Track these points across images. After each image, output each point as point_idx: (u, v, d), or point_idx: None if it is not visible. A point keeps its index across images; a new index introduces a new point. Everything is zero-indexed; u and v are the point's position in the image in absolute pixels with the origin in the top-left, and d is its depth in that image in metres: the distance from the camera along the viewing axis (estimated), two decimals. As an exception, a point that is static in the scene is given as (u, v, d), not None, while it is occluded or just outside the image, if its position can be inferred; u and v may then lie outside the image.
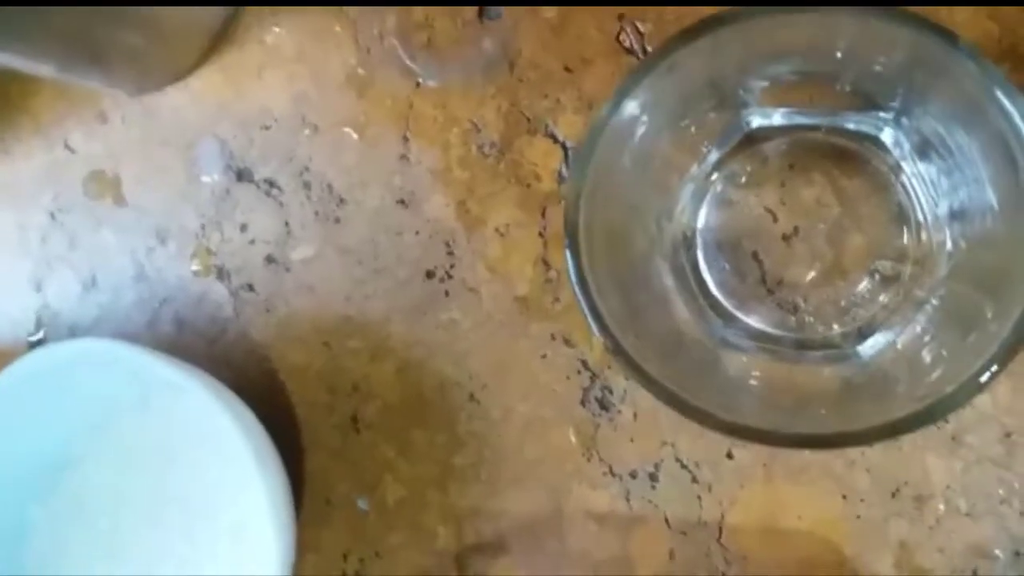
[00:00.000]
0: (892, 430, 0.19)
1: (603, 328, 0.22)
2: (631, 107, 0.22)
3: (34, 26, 0.30)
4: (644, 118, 0.24)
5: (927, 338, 0.26)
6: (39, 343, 0.39)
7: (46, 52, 0.32)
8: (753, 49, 0.23)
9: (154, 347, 0.36)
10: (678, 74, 0.22)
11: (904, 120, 0.26)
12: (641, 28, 0.32)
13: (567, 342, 0.32)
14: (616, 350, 0.22)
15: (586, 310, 0.22)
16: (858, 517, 0.29)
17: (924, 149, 0.25)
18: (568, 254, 0.22)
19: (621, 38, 0.32)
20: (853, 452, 0.29)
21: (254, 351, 0.35)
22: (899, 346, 0.26)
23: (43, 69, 0.33)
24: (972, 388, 0.19)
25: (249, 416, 0.31)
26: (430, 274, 0.34)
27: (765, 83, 0.26)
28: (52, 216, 0.38)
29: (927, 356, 0.25)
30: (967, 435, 0.28)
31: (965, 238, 0.25)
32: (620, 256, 0.27)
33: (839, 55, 0.23)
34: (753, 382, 0.27)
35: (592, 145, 0.22)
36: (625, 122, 0.23)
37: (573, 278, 0.22)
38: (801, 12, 0.21)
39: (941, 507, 0.29)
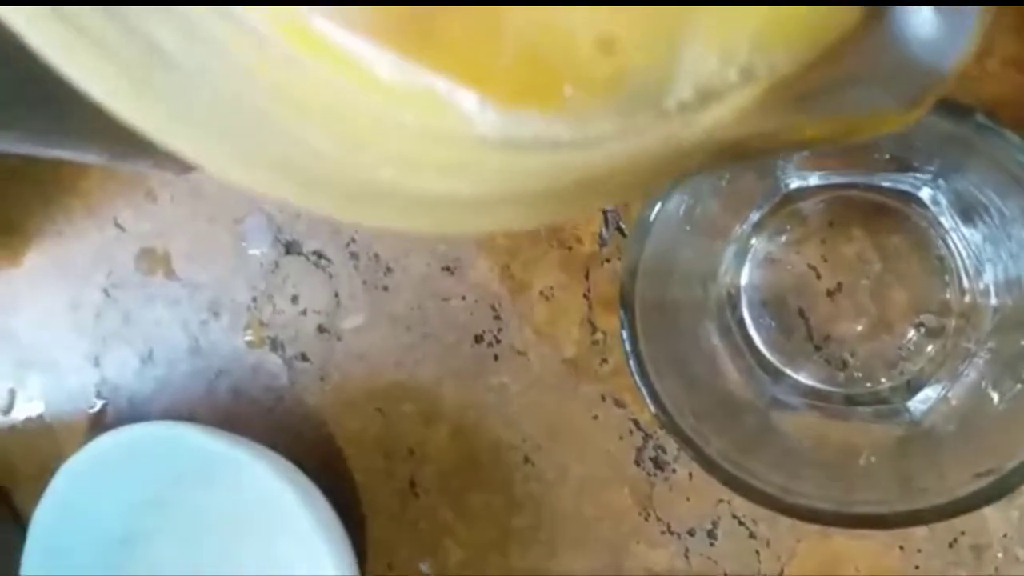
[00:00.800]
0: (955, 510, 0.20)
1: (661, 409, 0.23)
2: (678, 194, 0.23)
3: (84, 124, 0.31)
4: (690, 199, 0.24)
5: (979, 392, 0.26)
6: (100, 415, 0.40)
7: (96, 146, 0.33)
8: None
9: (211, 417, 0.37)
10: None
11: (941, 181, 0.26)
12: (674, 90, 0.32)
13: (617, 403, 0.32)
14: (674, 431, 0.22)
15: (644, 392, 0.23)
16: (916, 568, 0.29)
17: (967, 213, 0.26)
18: (625, 335, 0.23)
19: (655, 101, 0.33)
20: (908, 503, 0.29)
21: (310, 418, 0.36)
22: (953, 401, 0.27)
23: (94, 159, 0.34)
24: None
25: (310, 487, 0.32)
26: (478, 338, 0.34)
27: (804, 152, 0.26)
28: (106, 293, 0.40)
29: (980, 412, 0.26)
30: (1022, 484, 0.28)
31: (1012, 297, 0.25)
32: (670, 323, 0.27)
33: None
34: (807, 443, 0.27)
35: (644, 232, 0.23)
36: (673, 204, 0.24)
37: (631, 359, 0.23)
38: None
39: (1000, 555, 0.29)
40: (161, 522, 0.35)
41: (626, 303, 0.23)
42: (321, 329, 0.36)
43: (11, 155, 0.40)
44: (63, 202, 0.40)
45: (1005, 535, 0.29)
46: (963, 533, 0.29)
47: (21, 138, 0.31)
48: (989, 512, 0.29)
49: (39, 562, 0.35)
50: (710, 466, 0.22)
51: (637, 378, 0.22)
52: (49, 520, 0.34)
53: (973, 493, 0.20)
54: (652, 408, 0.22)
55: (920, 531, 0.29)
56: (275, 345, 0.37)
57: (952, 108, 0.20)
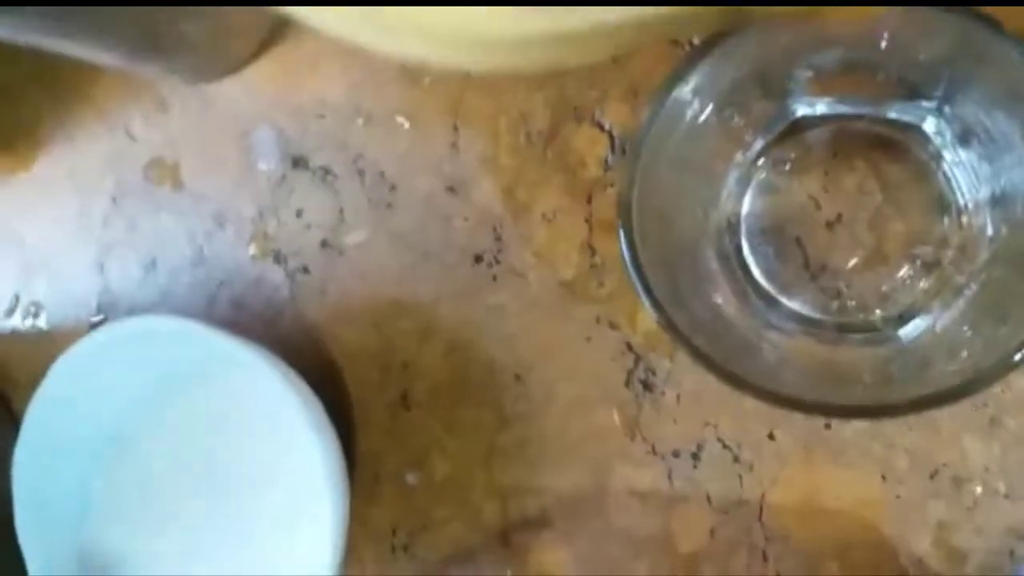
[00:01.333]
0: (929, 402, 0.20)
1: (654, 302, 0.23)
2: (684, 92, 0.23)
3: (108, 19, 0.32)
4: (695, 104, 0.24)
5: (965, 322, 0.27)
6: (100, 324, 0.40)
7: (116, 43, 0.33)
8: (799, 38, 0.24)
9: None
10: (728, 62, 0.23)
11: (946, 108, 0.26)
12: (687, 20, 0.33)
13: (612, 325, 0.33)
14: (667, 324, 0.23)
15: (638, 285, 0.23)
16: (897, 498, 0.30)
17: (966, 136, 0.26)
18: (621, 232, 0.23)
19: (667, 30, 0.33)
20: (892, 434, 0.30)
21: (309, 332, 0.37)
22: (937, 330, 0.27)
23: (109, 58, 0.35)
24: (1007, 365, 0.20)
25: (307, 391, 0.32)
26: (478, 259, 0.35)
27: (810, 73, 0.27)
28: (113, 200, 0.40)
29: (964, 339, 0.26)
30: (1006, 417, 0.29)
31: (1007, 223, 0.25)
32: (668, 240, 0.28)
33: (883, 45, 0.24)
34: (795, 360, 0.27)
35: (647, 128, 0.23)
36: (677, 108, 0.24)
37: (626, 254, 0.23)
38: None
39: (979, 489, 0.29)
40: (155, 419, 0.35)
41: (623, 201, 0.23)
42: (324, 244, 0.37)
43: (24, 55, 0.40)
44: (75, 108, 0.40)
45: (986, 468, 0.29)
46: (945, 465, 0.29)
47: (34, 24, 0.31)
48: (970, 445, 0.29)
49: (30, 455, 0.35)
50: (704, 359, 0.22)
51: (630, 267, 0.23)
52: (42, 414, 0.35)
53: (949, 388, 0.20)
54: (645, 300, 0.23)
55: (902, 461, 0.30)
56: (278, 258, 0.37)
57: (979, 13, 0.20)
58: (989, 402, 0.29)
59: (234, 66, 0.38)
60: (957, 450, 0.29)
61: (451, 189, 0.35)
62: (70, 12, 0.30)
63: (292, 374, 0.32)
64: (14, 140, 0.41)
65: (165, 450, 0.35)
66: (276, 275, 0.37)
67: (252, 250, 0.38)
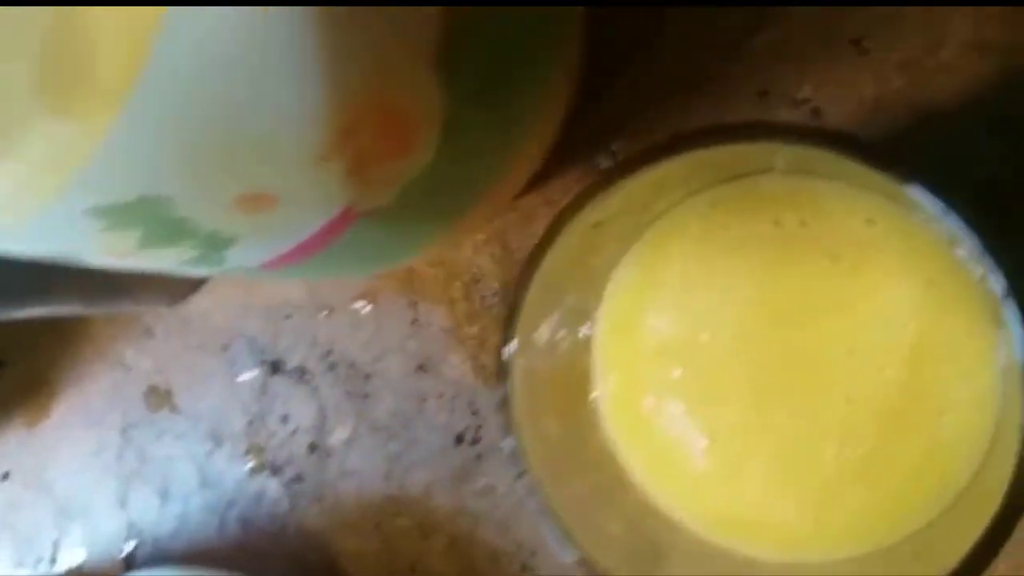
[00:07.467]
0: None
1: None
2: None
3: (59, 281, 0.32)
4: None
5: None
6: (130, 558, 0.40)
7: (72, 299, 0.33)
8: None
9: (227, 550, 0.37)
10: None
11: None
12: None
13: (608, 492, 0.29)
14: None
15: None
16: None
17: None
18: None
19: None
20: None
21: (313, 542, 0.35)
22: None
23: (70, 311, 0.35)
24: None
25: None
26: (459, 438, 0.32)
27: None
28: (122, 433, 0.40)
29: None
30: None
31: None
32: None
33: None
34: None
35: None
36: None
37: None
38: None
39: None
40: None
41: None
42: (312, 447, 0.35)
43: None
44: (81, 348, 0.41)
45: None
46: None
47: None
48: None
49: None
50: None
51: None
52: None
53: None
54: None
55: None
56: (274, 469, 0.36)
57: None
58: None
59: (195, 282, 0.37)
60: None
61: (421, 367, 0.33)
62: (30, 292, 0.30)
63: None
64: (34, 390, 0.42)
65: None
66: (274, 488, 0.36)
67: (250, 463, 0.36)
